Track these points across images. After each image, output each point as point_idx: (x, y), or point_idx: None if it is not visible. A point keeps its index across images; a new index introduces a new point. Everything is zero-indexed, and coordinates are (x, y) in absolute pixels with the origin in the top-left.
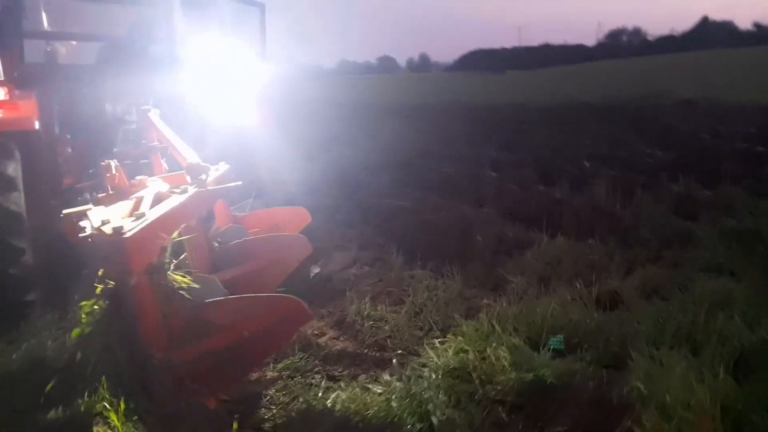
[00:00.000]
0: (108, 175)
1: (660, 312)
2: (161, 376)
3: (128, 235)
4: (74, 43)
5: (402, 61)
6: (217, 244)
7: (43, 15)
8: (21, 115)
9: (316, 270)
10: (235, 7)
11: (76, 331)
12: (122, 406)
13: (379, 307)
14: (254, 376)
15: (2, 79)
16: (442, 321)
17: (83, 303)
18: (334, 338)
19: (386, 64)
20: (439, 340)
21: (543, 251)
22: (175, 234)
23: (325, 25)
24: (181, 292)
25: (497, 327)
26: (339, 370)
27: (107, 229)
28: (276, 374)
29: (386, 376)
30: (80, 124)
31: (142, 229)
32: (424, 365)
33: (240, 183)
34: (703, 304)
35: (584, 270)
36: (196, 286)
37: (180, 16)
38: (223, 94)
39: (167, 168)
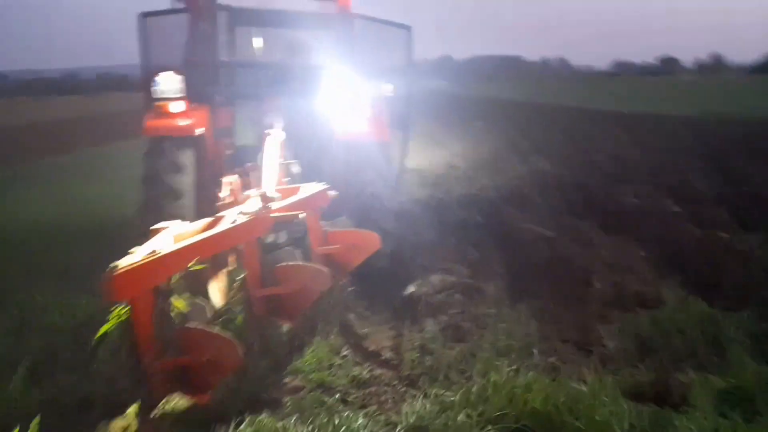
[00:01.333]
0: (231, 186)
1: None
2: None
3: (116, 272)
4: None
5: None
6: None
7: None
8: (190, 122)
9: (411, 289)
10: (386, 29)
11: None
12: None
13: (434, 341)
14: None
15: (184, 95)
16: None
17: (115, 309)
18: (376, 361)
19: None
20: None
21: (666, 316)
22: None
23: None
24: (171, 315)
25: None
26: (354, 395)
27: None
28: (301, 383)
29: (393, 414)
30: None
31: (133, 266)
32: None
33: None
34: None
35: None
36: (185, 311)
37: (352, 41)
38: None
39: (286, 181)
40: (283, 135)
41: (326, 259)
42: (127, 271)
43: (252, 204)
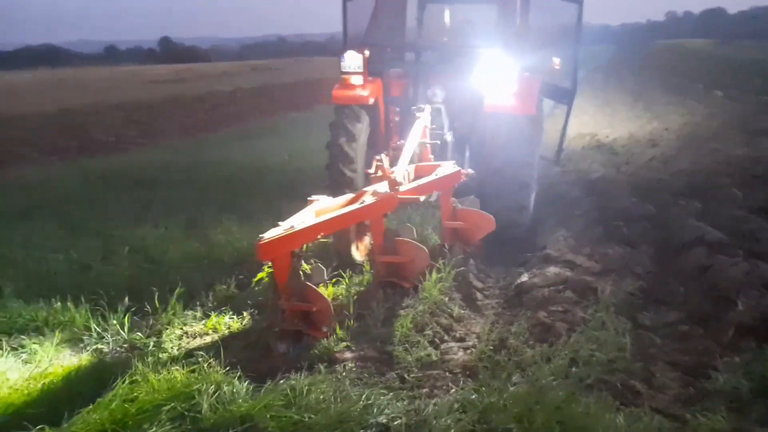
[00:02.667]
0: (380, 163)
1: None
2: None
3: (262, 241)
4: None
5: None
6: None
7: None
8: (365, 94)
9: (524, 278)
10: (560, 5)
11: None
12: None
13: (518, 337)
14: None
15: (361, 70)
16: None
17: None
18: (451, 346)
19: None
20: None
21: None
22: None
23: None
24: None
25: None
26: (413, 375)
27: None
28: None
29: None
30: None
31: (279, 236)
32: None
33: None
34: None
35: None
36: (309, 272)
37: (512, 17)
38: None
39: (432, 158)
40: (428, 117)
41: (453, 233)
42: (269, 241)
43: (383, 185)
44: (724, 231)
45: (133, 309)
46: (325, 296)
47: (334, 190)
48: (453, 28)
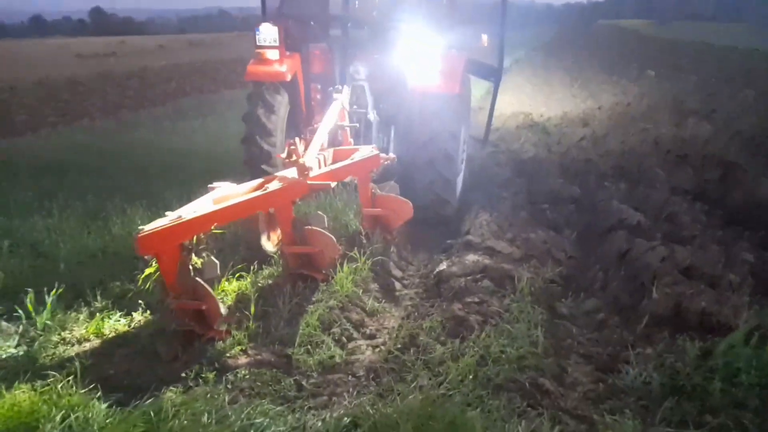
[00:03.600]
0: (293, 148)
1: None
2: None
3: (141, 234)
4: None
5: None
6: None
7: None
8: (282, 70)
9: (442, 267)
10: None
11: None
12: None
13: (431, 333)
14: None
15: (277, 44)
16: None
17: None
18: (359, 346)
19: None
20: None
21: (723, 350)
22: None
23: None
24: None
25: None
26: (312, 381)
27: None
28: (265, 357)
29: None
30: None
31: (163, 227)
32: None
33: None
34: None
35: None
36: (199, 267)
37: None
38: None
39: (352, 141)
40: (347, 98)
41: (373, 220)
42: (151, 232)
43: (292, 171)
44: (646, 214)
45: (1, 314)
46: (213, 293)
47: (251, 167)
48: (381, 2)
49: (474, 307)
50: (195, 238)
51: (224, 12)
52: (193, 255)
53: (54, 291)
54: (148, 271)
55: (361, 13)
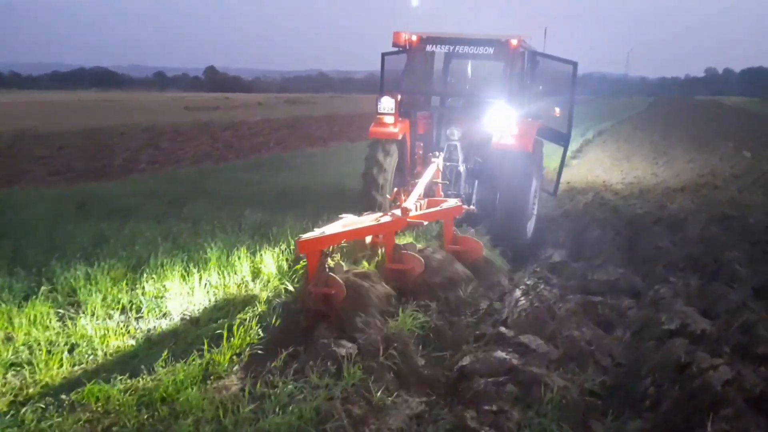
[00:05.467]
0: (401, 194)
1: None
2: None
3: (299, 240)
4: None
5: None
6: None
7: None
8: (395, 131)
9: (465, 361)
10: (556, 66)
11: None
12: None
13: None
14: None
15: (393, 111)
16: None
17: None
18: None
19: None
20: None
21: None
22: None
23: None
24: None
25: None
26: None
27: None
28: None
29: None
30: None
31: (313, 237)
32: None
33: (473, 208)
34: None
35: None
36: (332, 266)
37: (517, 72)
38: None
39: (442, 194)
40: (440, 163)
41: (453, 254)
42: (305, 240)
43: (398, 211)
44: (715, 320)
45: None
46: (342, 284)
47: (365, 194)
48: (472, 80)
49: (489, 417)
50: (330, 247)
51: (323, 74)
52: (329, 258)
53: None
54: (299, 265)
55: (456, 89)
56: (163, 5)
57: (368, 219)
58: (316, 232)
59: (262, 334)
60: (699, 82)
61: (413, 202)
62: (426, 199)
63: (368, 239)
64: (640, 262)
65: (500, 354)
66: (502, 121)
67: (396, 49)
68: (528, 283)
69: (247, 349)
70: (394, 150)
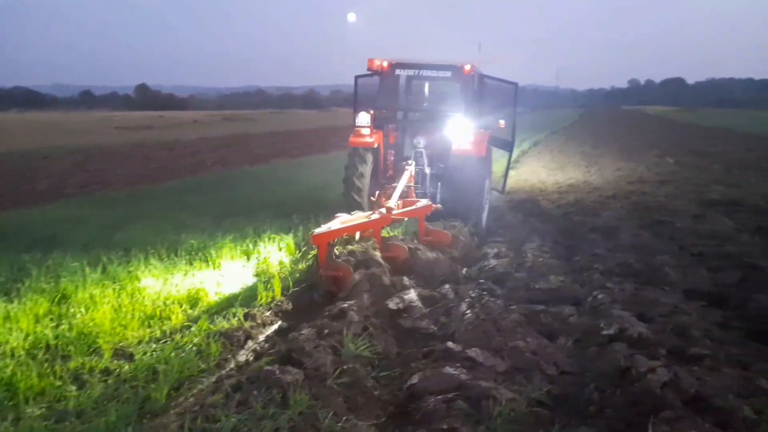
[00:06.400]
0: (383, 196)
1: None
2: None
3: (313, 233)
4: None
5: None
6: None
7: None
8: (371, 141)
9: (414, 380)
10: (498, 85)
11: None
12: None
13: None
14: None
15: (369, 124)
16: None
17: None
18: None
19: None
20: None
21: None
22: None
23: None
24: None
25: None
26: None
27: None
28: None
29: None
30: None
31: (323, 232)
32: None
33: (438, 206)
34: None
35: None
36: (337, 254)
37: (470, 92)
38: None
39: (414, 196)
40: (412, 168)
41: (426, 243)
42: (317, 234)
43: (383, 210)
44: (651, 323)
45: None
46: (349, 268)
47: (346, 195)
48: (433, 98)
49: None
50: (335, 239)
51: (261, 90)
52: (335, 248)
53: None
54: (311, 254)
55: (420, 105)
56: (87, 21)
57: (359, 217)
58: (323, 228)
59: (202, 366)
60: (623, 93)
61: (394, 203)
62: (401, 200)
63: (357, 235)
64: (579, 270)
65: (449, 370)
66: (460, 131)
67: (368, 72)
68: (473, 295)
69: (186, 383)
70: (369, 158)
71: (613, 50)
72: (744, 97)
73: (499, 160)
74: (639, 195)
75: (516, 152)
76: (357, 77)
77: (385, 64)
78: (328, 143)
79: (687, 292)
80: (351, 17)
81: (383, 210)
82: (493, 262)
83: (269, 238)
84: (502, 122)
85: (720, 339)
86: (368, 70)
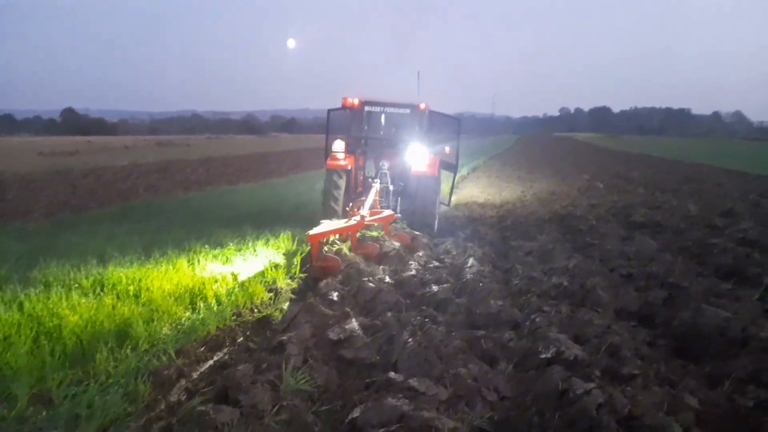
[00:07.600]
0: (355, 206)
1: None
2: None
3: (309, 234)
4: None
5: None
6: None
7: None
8: (345, 163)
9: (355, 413)
10: (445, 120)
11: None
12: None
13: None
14: None
15: (343, 150)
16: None
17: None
18: None
19: None
20: None
21: None
22: (332, 237)
23: None
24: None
25: None
26: None
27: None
28: None
29: None
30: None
31: (317, 233)
32: None
33: (399, 215)
34: None
35: None
36: (326, 250)
37: (424, 125)
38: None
39: (380, 206)
40: (378, 185)
41: (395, 238)
42: (312, 235)
43: (357, 217)
44: (586, 345)
45: None
46: (338, 259)
47: (325, 205)
48: (396, 129)
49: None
50: (325, 238)
51: (197, 115)
52: (325, 246)
53: None
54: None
55: (385, 134)
56: (7, 40)
57: (339, 223)
58: (316, 230)
59: (128, 408)
60: (555, 120)
61: (366, 212)
62: (370, 210)
63: (336, 236)
64: (517, 294)
65: (390, 401)
66: (418, 156)
67: (340, 107)
68: (414, 323)
69: (111, 429)
70: (344, 177)
71: (545, 80)
72: (662, 125)
73: (444, 180)
74: (572, 219)
75: (456, 177)
76: (330, 111)
77: (356, 101)
78: (267, 170)
79: (618, 312)
80: (291, 43)
81: (358, 218)
82: (434, 288)
83: (203, 269)
84: (447, 149)
85: (649, 357)
86: (342, 106)
